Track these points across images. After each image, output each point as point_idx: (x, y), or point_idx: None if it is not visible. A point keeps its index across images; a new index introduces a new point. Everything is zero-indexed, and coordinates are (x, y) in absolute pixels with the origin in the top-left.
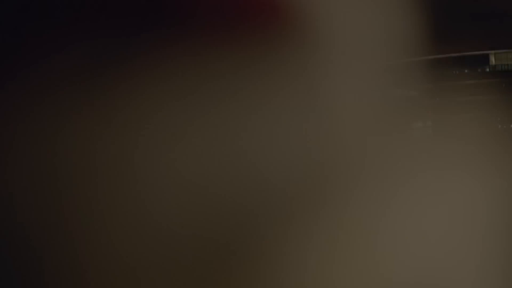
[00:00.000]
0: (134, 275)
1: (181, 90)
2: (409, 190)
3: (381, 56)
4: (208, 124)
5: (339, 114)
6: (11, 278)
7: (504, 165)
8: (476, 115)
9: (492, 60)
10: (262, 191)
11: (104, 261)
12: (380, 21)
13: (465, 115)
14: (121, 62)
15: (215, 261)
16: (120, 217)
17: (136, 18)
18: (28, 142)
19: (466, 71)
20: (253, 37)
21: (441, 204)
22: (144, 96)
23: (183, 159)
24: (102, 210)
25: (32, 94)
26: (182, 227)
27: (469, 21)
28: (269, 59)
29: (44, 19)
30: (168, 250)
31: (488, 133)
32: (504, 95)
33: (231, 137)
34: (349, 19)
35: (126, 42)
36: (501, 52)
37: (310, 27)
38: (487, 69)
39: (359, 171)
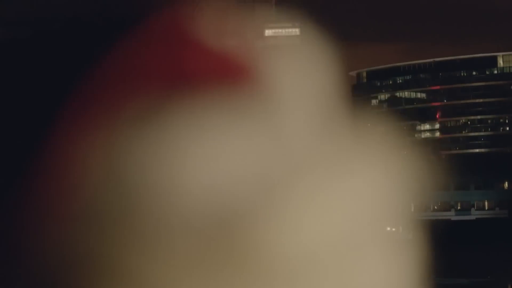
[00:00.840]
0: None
1: (198, 120)
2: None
3: (319, 97)
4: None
5: (290, 135)
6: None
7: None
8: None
9: (500, 62)
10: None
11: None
12: (316, 74)
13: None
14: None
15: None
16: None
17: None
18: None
19: (474, 73)
20: (232, 88)
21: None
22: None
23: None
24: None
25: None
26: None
27: (477, 22)
28: (242, 100)
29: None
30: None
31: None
32: None
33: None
34: (296, 74)
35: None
36: (509, 54)
37: (266, 80)
38: (495, 71)
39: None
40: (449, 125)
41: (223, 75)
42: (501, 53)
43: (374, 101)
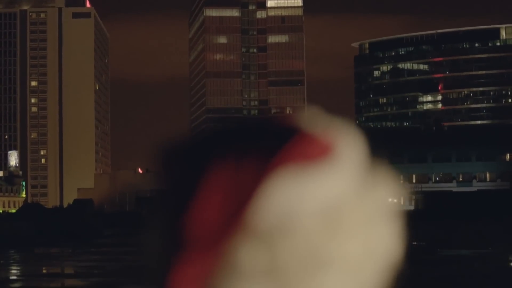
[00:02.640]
0: None
1: None
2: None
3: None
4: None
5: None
6: None
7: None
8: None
9: (503, 34)
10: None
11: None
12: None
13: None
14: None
15: None
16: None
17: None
18: None
19: (476, 45)
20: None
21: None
22: None
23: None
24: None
25: None
26: None
27: None
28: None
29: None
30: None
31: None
32: None
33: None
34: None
35: None
36: None
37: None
38: (498, 43)
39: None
40: (451, 97)
41: (322, 155)
42: (504, 25)
43: (376, 73)
